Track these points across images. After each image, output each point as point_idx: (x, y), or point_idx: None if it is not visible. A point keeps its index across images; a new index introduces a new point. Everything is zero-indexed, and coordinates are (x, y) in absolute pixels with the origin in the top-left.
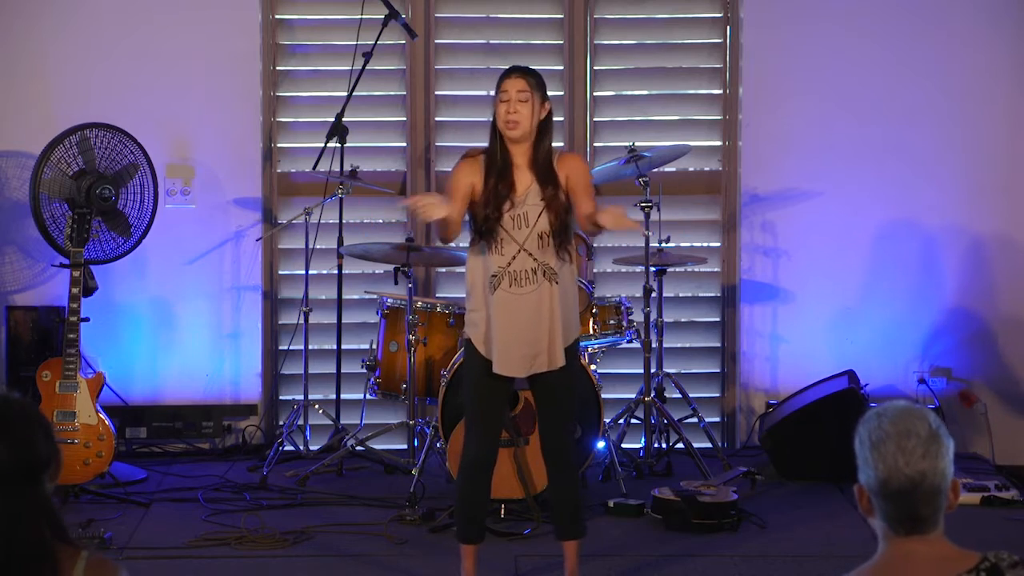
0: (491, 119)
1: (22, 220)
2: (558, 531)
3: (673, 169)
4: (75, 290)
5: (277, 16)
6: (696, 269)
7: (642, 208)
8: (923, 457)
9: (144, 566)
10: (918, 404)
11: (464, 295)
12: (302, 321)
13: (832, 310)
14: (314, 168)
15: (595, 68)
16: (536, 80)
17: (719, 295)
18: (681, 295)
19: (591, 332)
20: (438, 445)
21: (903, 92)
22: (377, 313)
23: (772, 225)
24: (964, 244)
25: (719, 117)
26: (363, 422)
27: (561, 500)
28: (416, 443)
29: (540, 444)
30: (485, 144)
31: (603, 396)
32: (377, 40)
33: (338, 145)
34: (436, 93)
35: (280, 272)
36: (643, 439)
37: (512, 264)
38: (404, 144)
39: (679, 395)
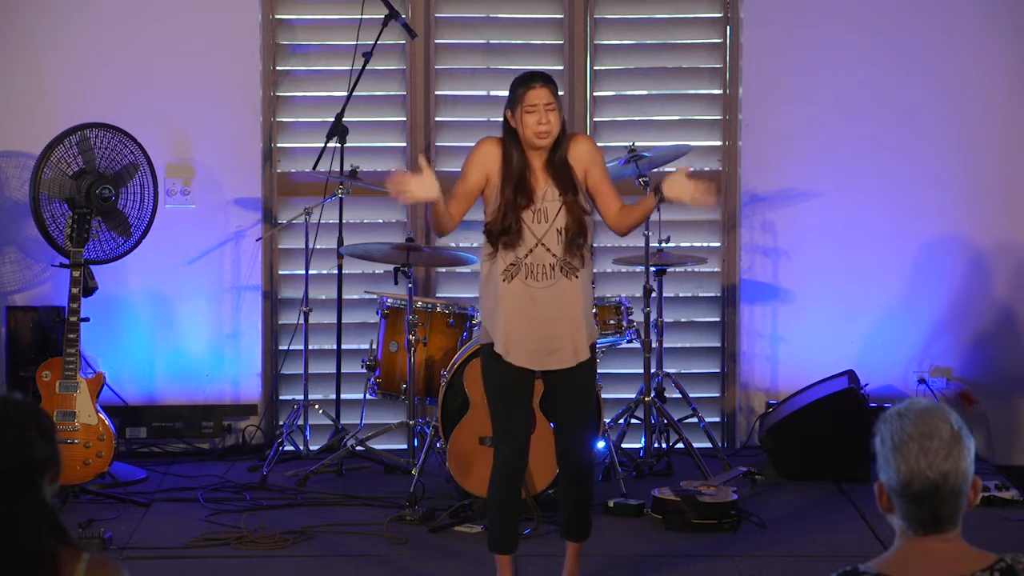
0: (502, 122)
1: (22, 220)
2: (564, 531)
3: (673, 169)
4: (75, 290)
5: (277, 16)
6: (696, 269)
7: None
8: (946, 459)
9: (144, 566)
10: (939, 403)
11: (464, 295)
12: (302, 321)
13: (832, 310)
14: (314, 168)
15: (595, 68)
16: (556, 87)
17: (719, 295)
18: (681, 295)
19: None
20: (438, 445)
21: (903, 92)
22: (377, 313)
23: (772, 225)
24: (964, 243)
25: (719, 117)
26: (363, 422)
27: (572, 503)
28: (416, 443)
29: (556, 448)
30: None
31: (603, 396)
32: (377, 40)
33: (338, 145)
34: (436, 93)
35: (280, 272)
36: (643, 439)
37: (529, 257)
38: (404, 144)
39: (679, 395)
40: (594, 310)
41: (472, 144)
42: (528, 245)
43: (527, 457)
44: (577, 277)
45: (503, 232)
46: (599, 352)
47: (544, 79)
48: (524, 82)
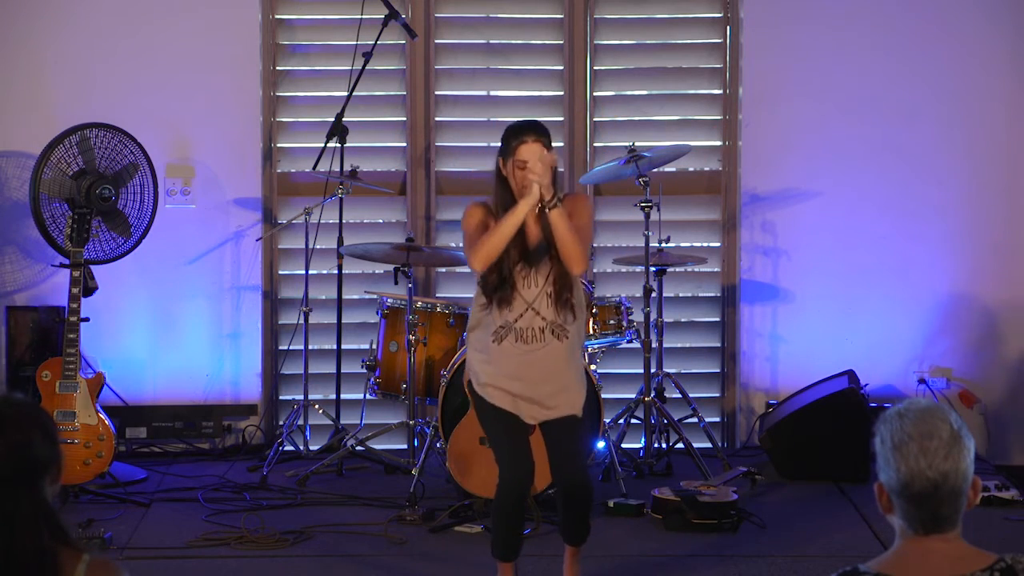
0: (494, 171)
1: (22, 220)
2: (564, 535)
3: (673, 169)
4: (75, 290)
5: (277, 16)
6: (696, 269)
7: (642, 208)
8: (945, 459)
9: (144, 566)
10: (939, 403)
11: (464, 295)
12: (302, 321)
13: (832, 310)
14: (314, 168)
15: (595, 68)
16: (549, 139)
17: (719, 295)
18: (681, 295)
19: (591, 332)
20: (438, 445)
21: (903, 92)
22: (377, 313)
23: (772, 225)
24: (964, 244)
25: (719, 117)
26: (363, 422)
27: (571, 512)
28: (416, 443)
29: (551, 470)
30: (485, 195)
31: (603, 396)
32: (377, 40)
33: (338, 145)
34: (436, 93)
35: (280, 272)
36: (643, 439)
37: (519, 321)
38: (404, 144)
39: (679, 395)
40: (594, 310)
41: (472, 144)
42: (518, 310)
43: (533, 476)
44: (567, 337)
45: (499, 286)
46: (599, 352)
47: (537, 132)
48: (517, 134)
